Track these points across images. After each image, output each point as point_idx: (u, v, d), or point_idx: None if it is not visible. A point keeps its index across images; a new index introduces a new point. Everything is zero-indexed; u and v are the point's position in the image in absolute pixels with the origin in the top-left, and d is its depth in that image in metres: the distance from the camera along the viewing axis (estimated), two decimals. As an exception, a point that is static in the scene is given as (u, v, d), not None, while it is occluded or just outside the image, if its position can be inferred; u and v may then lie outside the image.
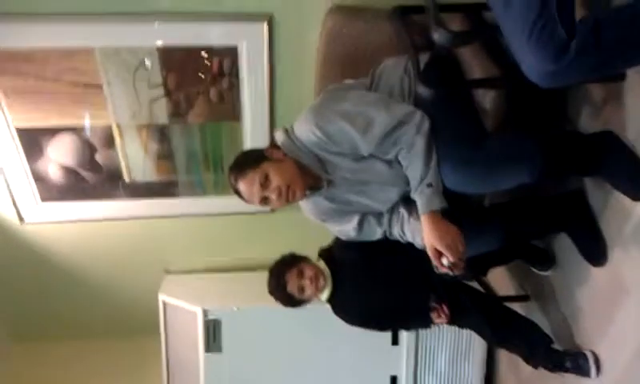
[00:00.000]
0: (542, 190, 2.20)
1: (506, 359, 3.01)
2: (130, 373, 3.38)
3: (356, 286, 2.40)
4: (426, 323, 2.48)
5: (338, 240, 2.34)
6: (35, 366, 3.39)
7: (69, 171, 2.82)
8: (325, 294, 2.36)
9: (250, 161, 2.01)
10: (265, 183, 1.95)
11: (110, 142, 2.74)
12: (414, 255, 2.11)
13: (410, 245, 2.12)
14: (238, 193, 2.04)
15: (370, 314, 2.46)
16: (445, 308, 2.39)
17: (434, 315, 2.41)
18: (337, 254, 2.38)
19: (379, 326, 2.62)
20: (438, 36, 1.71)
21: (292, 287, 2.28)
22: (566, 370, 2.34)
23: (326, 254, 2.40)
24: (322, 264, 2.37)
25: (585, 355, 2.26)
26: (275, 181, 1.95)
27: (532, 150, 1.88)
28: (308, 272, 2.30)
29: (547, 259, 2.47)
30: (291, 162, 1.98)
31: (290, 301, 2.32)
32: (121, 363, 3.40)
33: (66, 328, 3.46)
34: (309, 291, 2.29)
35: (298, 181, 1.97)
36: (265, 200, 1.99)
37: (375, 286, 2.40)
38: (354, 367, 3.15)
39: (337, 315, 2.44)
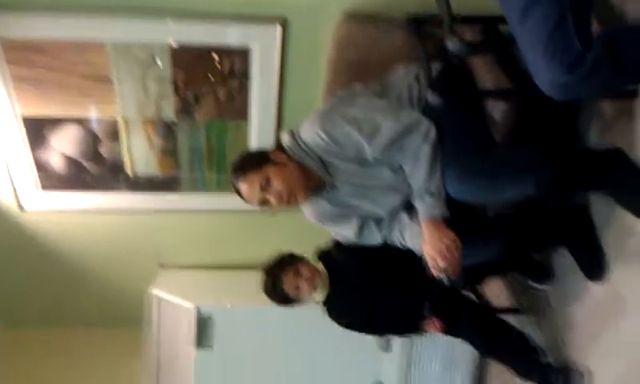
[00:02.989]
0: (546, 203, 2.22)
1: (496, 371, 3.02)
2: (120, 365, 3.36)
3: (352, 289, 2.40)
4: (419, 331, 2.50)
5: (337, 242, 2.34)
6: (22, 353, 3.36)
7: (71, 161, 2.82)
8: (320, 295, 2.36)
9: (253, 162, 2.02)
10: (266, 186, 1.97)
11: (115, 135, 2.74)
12: (412, 262, 2.13)
13: (409, 251, 2.13)
14: (238, 192, 2.05)
15: (365, 318, 2.46)
16: (437, 319, 2.40)
17: (427, 323, 2.43)
18: (335, 256, 2.38)
19: (372, 330, 2.62)
20: (451, 45, 1.74)
21: (288, 286, 2.28)
22: (556, 385, 2.36)
23: (323, 255, 2.40)
24: (319, 265, 2.37)
25: (576, 371, 2.28)
26: (277, 185, 1.97)
27: (540, 162, 1.90)
28: (305, 272, 2.29)
29: (545, 273, 2.49)
30: (294, 166, 1.99)
31: (285, 300, 2.32)
32: (110, 355, 3.38)
33: (57, 316, 3.44)
34: (305, 291, 2.29)
35: (300, 186, 1.99)
36: (264, 202, 2.00)
37: (371, 291, 2.41)
38: (344, 371, 3.15)
39: (330, 317, 2.44)
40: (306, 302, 2.36)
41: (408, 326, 2.55)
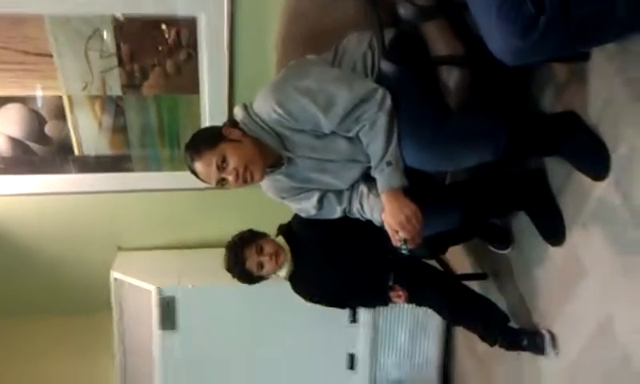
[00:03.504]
0: (502, 169, 2.21)
1: (463, 336, 3.05)
2: (82, 350, 3.31)
3: (316, 264, 2.39)
4: (385, 301, 2.51)
5: (297, 217, 2.32)
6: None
7: (16, 143, 2.71)
8: (284, 271, 2.35)
9: (206, 141, 1.95)
10: (222, 165, 1.91)
11: (60, 113, 2.65)
12: (374, 233, 2.11)
13: (370, 223, 2.11)
14: (194, 172, 1.99)
15: (330, 291, 2.46)
16: (402, 290, 2.40)
17: (392, 294, 2.42)
18: (296, 231, 2.36)
19: (338, 304, 2.62)
20: (403, 11, 1.69)
21: (251, 264, 2.26)
22: (523, 349, 2.36)
23: (285, 230, 2.39)
24: (281, 240, 2.36)
25: (541, 334, 2.29)
26: (233, 162, 1.91)
27: (495, 127, 1.88)
28: (267, 248, 2.28)
29: (505, 238, 2.48)
30: (250, 141, 1.93)
31: (249, 277, 2.30)
32: (73, 341, 3.33)
33: (15, 305, 3.35)
34: (268, 268, 2.28)
35: (256, 162, 1.94)
36: (222, 181, 1.95)
37: (335, 264, 2.41)
38: (312, 346, 3.15)
39: (296, 292, 2.44)
40: (269, 278, 2.35)
41: (373, 297, 2.57)
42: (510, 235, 2.48)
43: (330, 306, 2.54)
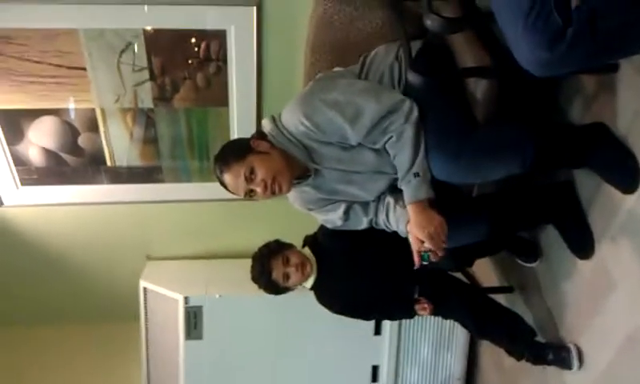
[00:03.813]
0: (530, 181, 2.19)
1: (489, 350, 3.02)
2: (110, 358, 3.36)
3: (341, 274, 2.39)
4: (410, 314, 2.50)
5: (323, 228, 2.32)
6: (11, 350, 3.35)
7: (50, 154, 2.77)
8: (310, 282, 2.35)
9: (235, 153, 1.97)
10: (250, 176, 1.93)
11: (93, 125, 2.70)
12: (400, 245, 2.10)
13: (396, 235, 2.11)
14: (223, 184, 2.01)
15: (355, 302, 2.45)
16: (427, 302, 2.40)
17: (417, 307, 2.41)
18: (322, 242, 2.37)
19: (363, 315, 2.62)
20: (430, 22, 1.69)
21: (277, 274, 2.27)
22: (549, 363, 2.35)
23: (311, 241, 2.39)
24: (307, 251, 2.36)
25: (568, 348, 2.27)
26: (261, 174, 1.93)
27: (523, 139, 1.87)
28: (294, 259, 2.29)
29: (533, 251, 2.46)
30: (278, 153, 1.95)
31: (275, 288, 2.31)
32: (100, 349, 3.37)
33: (44, 312, 3.42)
34: (294, 279, 2.29)
35: (284, 173, 1.95)
36: (250, 193, 1.97)
37: (361, 275, 2.40)
38: (336, 357, 3.15)
39: (320, 303, 2.44)
40: (295, 289, 2.36)
41: (398, 310, 2.55)
42: (538, 248, 2.46)
43: (354, 317, 2.54)
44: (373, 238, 2.25)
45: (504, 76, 1.92)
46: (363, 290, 2.42)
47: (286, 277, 2.28)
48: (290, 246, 2.34)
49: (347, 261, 2.39)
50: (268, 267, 2.27)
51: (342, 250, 2.36)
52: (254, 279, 2.32)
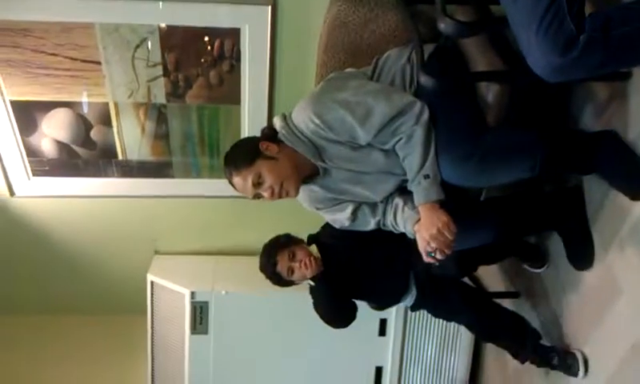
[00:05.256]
0: (539, 187, 2.19)
1: (493, 352, 3.02)
2: (115, 351, 3.37)
3: (343, 274, 2.38)
4: (395, 297, 2.51)
5: (327, 227, 2.34)
6: (17, 339, 3.37)
7: (62, 146, 2.79)
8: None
9: (243, 157, 1.99)
10: (258, 182, 1.96)
11: (106, 119, 2.72)
12: (405, 246, 2.12)
13: (403, 236, 2.11)
14: (231, 183, 2.05)
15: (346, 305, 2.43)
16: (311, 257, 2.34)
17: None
18: (325, 241, 2.38)
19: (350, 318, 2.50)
20: (443, 26, 1.70)
21: (281, 267, 2.29)
22: (553, 367, 2.34)
23: (314, 240, 2.40)
24: (314, 249, 2.37)
25: (573, 355, 2.26)
26: (268, 181, 1.96)
27: (533, 144, 1.88)
28: (299, 255, 2.30)
29: (541, 257, 2.46)
30: (286, 157, 1.97)
31: (278, 280, 2.33)
32: (106, 341, 3.39)
33: (51, 303, 3.43)
34: (297, 274, 2.30)
35: (291, 179, 1.98)
36: (258, 196, 2.00)
37: (360, 273, 2.41)
38: (340, 357, 3.15)
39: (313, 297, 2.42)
40: (299, 284, 2.37)
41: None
42: (546, 254, 2.45)
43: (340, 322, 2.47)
44: (377, 238, 2.26)
45: (516, 81, 1.92)
46: (361, 288, 2.43)
47: (290, 271, 2.30)
48: (299, 242, 2.35)
49: (350, 259, 2.39)
50: (274, 259, 2.29)
51: (345, 249, 2.36)
52: (261, 268, 2.34)
